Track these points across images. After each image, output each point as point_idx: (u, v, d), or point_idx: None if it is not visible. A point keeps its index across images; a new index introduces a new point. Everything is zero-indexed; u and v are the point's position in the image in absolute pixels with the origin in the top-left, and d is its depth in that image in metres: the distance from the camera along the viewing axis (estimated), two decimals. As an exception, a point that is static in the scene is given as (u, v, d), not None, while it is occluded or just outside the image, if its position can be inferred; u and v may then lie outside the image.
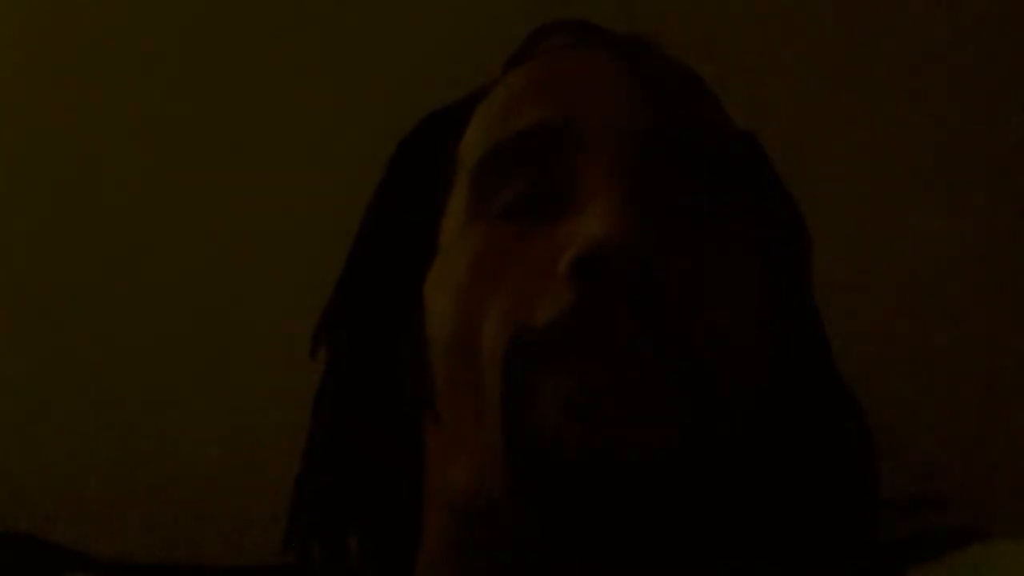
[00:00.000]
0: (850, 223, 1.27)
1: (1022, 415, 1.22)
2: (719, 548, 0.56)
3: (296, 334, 0.70)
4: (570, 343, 0.51)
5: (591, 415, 0.49)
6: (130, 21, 1.37)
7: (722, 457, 0.52)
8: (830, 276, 0.69)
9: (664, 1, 1.21)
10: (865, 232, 1.29)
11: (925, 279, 1.29)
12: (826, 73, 1.33)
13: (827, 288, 0.69)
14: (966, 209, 1.30)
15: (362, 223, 0.67)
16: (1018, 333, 1.26)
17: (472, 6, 1.28)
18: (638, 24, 0.69)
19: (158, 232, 1.34)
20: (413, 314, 0.61)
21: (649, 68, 0.61)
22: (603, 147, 0.56)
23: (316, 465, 0.64)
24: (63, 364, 1.32)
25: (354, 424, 0.64)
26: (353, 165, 0.72)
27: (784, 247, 0.64)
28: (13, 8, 1.38)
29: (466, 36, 1.24)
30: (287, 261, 1.30)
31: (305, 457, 0.65)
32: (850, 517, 0.61)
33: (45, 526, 1.16)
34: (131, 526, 1.24)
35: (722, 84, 0.67)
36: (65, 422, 1.30)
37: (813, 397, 0.62)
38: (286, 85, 1.35)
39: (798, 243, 0.65)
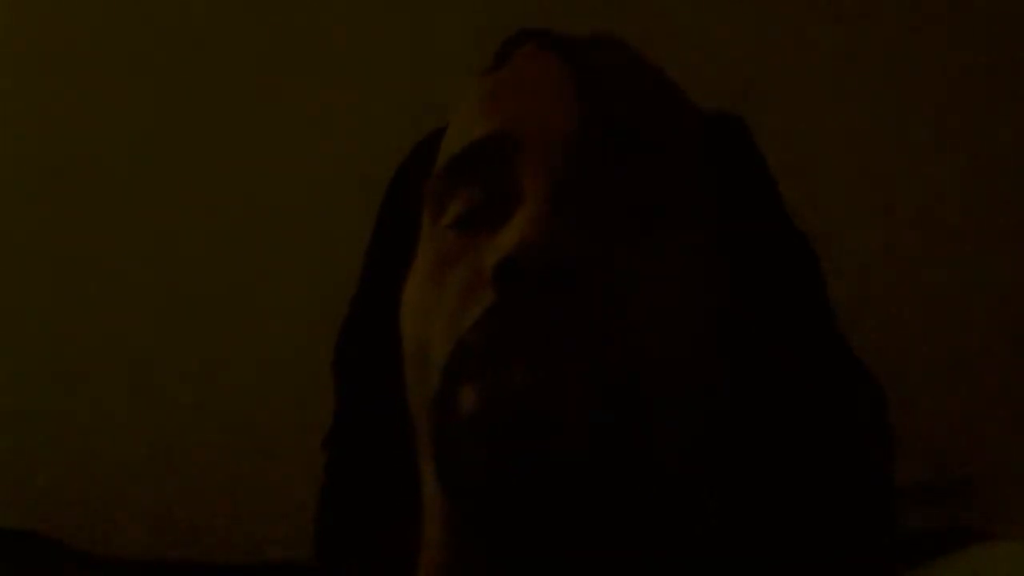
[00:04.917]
0: (862, 208, 1.27)
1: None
2: (661, 547, 0.56)
3: (296, 335, 0.71)
4: (490, 345, 0.53)
5: (506, 416, 0.51)
6: (130, 20, 1.37)
7: (643, 460, 0.52)
8: (837, 263, 0.68)
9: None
10: (874, 217, 1.29)
11: (929, 270, 1.29)
12: (825, 63, 1.34)
13: (833, 280, 0.69)
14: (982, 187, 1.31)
15: (372, 232, 0.68)
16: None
17: (486, 10, 1.28)
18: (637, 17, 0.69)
19: (159, 233, 1.34)
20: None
21: (599, 72, 0.61)
22: (538, 155, 0.58)
23: (334, 476, 0.66)
24: (64, 364, 1.32)
25: (363, 436, 0.65)
26: (366, 166, 0.73)
27: (754, 240, 0.63)
28: (12, 8, 1.37)
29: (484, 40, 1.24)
30: (288, 262, 1.30)
31: (325, 470, 0.66)
32: (853, 512, 0.60)
33: (45, 525, 1.16)
34: (131, 526, 1.25)
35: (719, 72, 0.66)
36: (65, 422, 1.30)
37: (804, 390, 0.61)
38: (293, 88, 1.35)
39: (772, 234, 0.64)
